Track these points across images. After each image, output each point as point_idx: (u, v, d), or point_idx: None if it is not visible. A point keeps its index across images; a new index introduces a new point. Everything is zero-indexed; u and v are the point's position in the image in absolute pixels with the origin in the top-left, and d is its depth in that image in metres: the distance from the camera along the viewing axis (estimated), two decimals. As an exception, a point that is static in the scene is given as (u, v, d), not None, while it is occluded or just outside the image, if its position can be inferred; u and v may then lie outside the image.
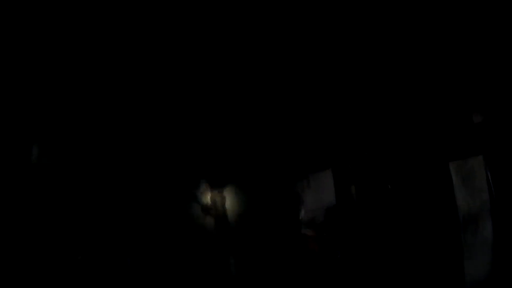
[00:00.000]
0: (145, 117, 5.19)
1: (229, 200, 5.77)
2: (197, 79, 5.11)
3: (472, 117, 4.73)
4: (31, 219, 4.30)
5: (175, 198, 5.26)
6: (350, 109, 5.24)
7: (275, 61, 4.88)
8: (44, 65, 4.38)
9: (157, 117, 5.33)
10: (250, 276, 5.49)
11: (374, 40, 4.53)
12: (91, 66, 4.55)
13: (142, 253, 4.96)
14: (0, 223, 4.05)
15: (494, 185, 5.11)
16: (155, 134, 5.33)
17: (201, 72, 5.03)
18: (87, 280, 4.43)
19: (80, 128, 4.90)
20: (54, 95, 4.67)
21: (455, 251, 5.11)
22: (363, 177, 5.28)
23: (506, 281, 5.03)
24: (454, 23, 4.20)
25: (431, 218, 5.11)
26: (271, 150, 5.61)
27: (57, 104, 4.73)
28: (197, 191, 5.57)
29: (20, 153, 4.46)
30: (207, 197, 5.63)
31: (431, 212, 5.09)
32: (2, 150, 4.27)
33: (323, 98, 5.24)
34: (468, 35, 4.18)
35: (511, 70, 4.29)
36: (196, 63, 4.91)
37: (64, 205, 4.57)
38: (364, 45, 4.63)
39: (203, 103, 5.44)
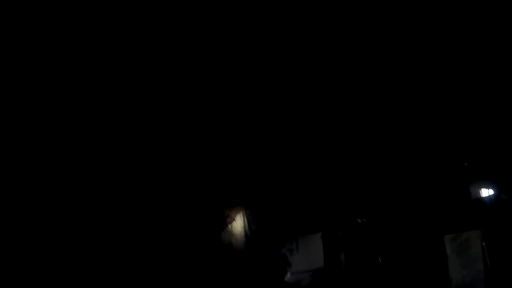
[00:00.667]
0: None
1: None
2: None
3: (470, 191, 4.61)
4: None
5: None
6: (346, 176, 5.06)
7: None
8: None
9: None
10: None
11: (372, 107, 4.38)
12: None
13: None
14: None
15: (490, 256, 4.98)
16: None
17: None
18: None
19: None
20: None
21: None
22: (354, 245, 5.07)
23: None
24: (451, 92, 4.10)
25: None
26: (262, 209, 5.37)
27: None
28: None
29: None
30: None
31: (424, 284, 4.91)
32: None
33: (318, 161, 5.05)
34: (469, 110, 4.07)
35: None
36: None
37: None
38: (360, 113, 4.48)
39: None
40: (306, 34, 4.37)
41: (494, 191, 4.40)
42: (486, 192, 4.55)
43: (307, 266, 5.28)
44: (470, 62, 4.14)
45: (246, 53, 4.56)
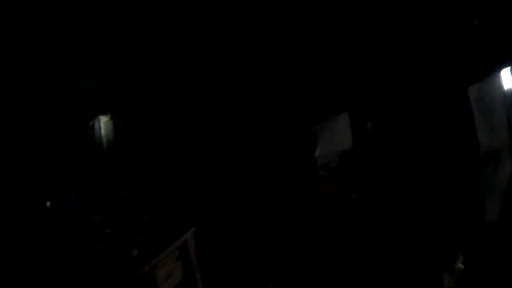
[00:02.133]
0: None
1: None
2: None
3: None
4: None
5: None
6: (367, 53, 5.01)
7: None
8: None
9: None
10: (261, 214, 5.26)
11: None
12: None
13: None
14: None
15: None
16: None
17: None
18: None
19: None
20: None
21: (476, 189, 4.95)
22: (379, 113, 5.09)
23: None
24: None
25: (451, 153, 4.94)
26: (288, 93, 5.38)
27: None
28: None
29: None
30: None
31: (451, 146, 4.92)
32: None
33: (341, 42, 5.01)
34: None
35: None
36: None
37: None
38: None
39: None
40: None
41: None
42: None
43: (335, 147, 5.35)
44: None
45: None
